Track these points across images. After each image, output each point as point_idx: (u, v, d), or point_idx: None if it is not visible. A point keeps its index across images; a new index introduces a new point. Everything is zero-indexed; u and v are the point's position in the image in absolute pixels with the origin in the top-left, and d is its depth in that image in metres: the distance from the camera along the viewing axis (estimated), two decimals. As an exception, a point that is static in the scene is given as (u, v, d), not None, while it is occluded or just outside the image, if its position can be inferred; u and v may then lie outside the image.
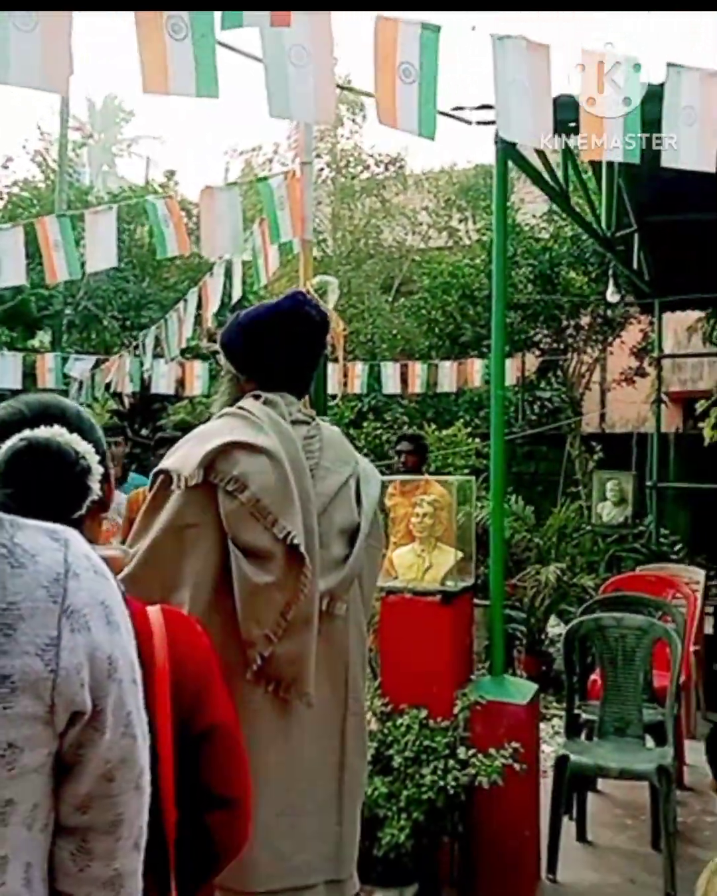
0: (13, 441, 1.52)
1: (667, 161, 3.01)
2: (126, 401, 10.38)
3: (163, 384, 8.43)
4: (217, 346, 2.66)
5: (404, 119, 2.58)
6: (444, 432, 10.90)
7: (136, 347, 8.14)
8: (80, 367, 8.48)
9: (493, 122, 3.65)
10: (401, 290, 15.74)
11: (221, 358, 2.52)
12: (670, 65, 3.01)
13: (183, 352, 8.35)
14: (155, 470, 2.24)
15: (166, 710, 1.44)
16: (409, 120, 2.59)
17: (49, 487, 1.46)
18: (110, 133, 31.52)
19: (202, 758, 1.49)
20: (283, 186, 4.22)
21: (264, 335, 2.36)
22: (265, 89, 2.36)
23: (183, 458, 2.19)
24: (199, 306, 6.41)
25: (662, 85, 3.15)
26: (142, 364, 7.91)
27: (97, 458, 1.64)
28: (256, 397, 2.35)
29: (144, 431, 11.70)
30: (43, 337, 11.35)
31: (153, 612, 1.58)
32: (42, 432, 1.55)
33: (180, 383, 8.63)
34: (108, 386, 8.32)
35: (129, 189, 13.60)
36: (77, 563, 0.94)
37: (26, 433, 1.52)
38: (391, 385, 9.31)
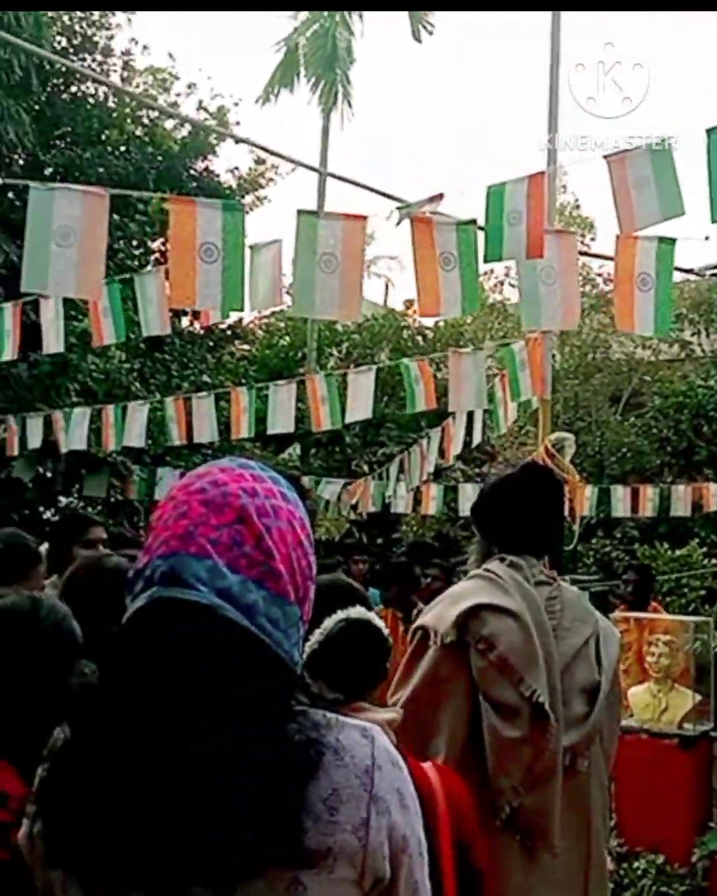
0: (334, 622, 1.90)
1: None
2: (364, 513, 11.13)
3: (401, 505, 9.06)
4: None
5: (640, 322, 2.88)
6: (678, 552, 10.61)
7: (379, 474, 8.82)
8: (330, 489, 9.28)
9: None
10: (630, 403, 15.63)
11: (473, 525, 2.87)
12: None
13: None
14: (414, 626, 2.58)
15: (449, 851, 1.72)
16: (645, 324, 2.88)
17: (367, 662, 1.84)
18: (352, 256, 33.79)
19: None
20: (524, 351, 4.61)
21: (504, 504, 2.67)
22: (521, 305, 2.75)
23: (438, 617, 2.50)
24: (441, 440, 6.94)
25: None
26: (384, 488, 8.53)
27: (387, 631, 2.02)
28: (502, 560, 2.63)
29: (379, 540, 12.43)
30: (292, 451, 12.39)
31: (428, 768, 1.89)
32: (353, 613, 1.93)
33: (417, 502, 9.19)
34: (355, 506, 9.03)
35: (372, 318, 14.64)
36: (380, 756, 1.15)
37: (342, 615, 1.90)
38: (621, 508, 9.33)
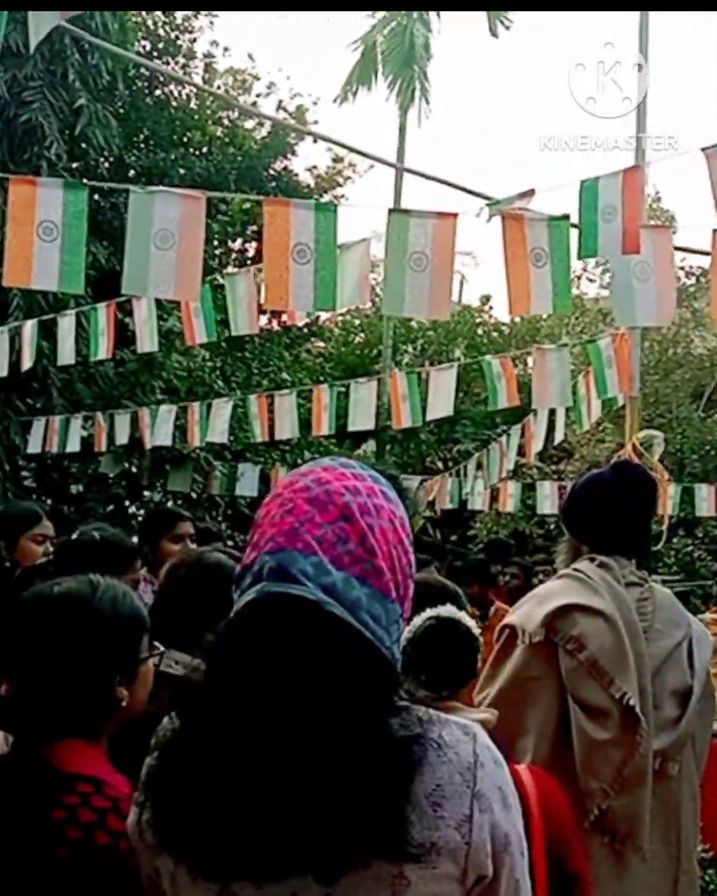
0: (422, 620, 1.92)
1: None
2: (438, 509, 11.11)
3: (478, 502, 9.01)
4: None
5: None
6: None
7: (457, 471, 8.82)
8: (407, 486, 9.28)
9: None
10: (713, 399, 15.26)
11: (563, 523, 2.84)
12: None
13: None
14: (501, 624, 2.57)
15: (542, 855, 1.71)
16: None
17: (457, 660, 1.86)
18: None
19: None
20: (610, 347, 4.54)
21: (594, 504, 2.64)
22: (614, 301, 2.71)
23: (526, 615, 2.48)
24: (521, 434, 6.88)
25: None
26: (461, 486, 8.51)
27: (478, 630, 2.03)
28: (592, 560, 2.60)
29: (453, 538, 12.41)
30: (367, 447, 12.48)
31: (523, 770, 1.88)
32: (443, 611, 1.95)
33: (494, 499, 9.14)
34: (431, 503, 9.04)
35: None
36: (482, 754, 1.14)
37: (431, 613, 1.92)
38: (704, 507, 9.14)
